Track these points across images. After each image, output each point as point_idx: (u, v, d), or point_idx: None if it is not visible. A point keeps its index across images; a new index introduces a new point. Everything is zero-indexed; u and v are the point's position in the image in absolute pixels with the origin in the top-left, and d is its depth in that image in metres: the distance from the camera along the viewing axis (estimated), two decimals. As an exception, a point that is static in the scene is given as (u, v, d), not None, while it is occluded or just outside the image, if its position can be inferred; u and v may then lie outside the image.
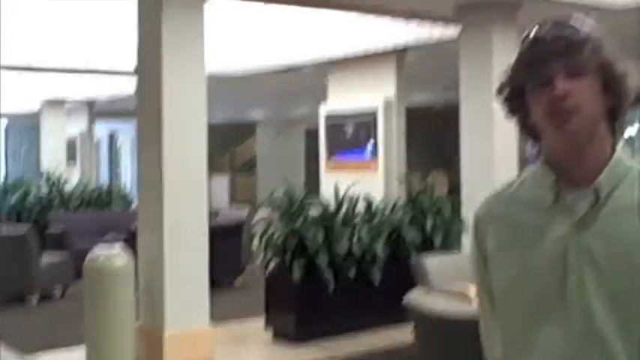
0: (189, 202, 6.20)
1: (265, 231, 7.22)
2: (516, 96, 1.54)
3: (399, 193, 8.65)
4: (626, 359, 1.42)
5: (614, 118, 1.53)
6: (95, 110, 17.52)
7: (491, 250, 1.60)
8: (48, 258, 9.75)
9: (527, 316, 1.52)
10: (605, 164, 1.49)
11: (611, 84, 1.49)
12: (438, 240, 7.49)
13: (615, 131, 1.54)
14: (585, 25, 1.50)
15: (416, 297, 4.85)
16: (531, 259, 1.51)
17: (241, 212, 11.86)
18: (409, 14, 8.26)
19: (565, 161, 1.51)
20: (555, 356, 1.47)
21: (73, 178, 15.15)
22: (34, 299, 9.31)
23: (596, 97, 1.48)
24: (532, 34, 1.51)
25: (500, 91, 1.58)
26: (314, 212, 7.24)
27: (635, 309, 1.42)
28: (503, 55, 7.41)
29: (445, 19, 8.29)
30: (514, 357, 1.55)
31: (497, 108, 1.61)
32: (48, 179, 14.20)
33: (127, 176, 23.43)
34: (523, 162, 7.51)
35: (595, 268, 1.44)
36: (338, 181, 7.87)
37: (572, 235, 1.47)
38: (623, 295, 1.43)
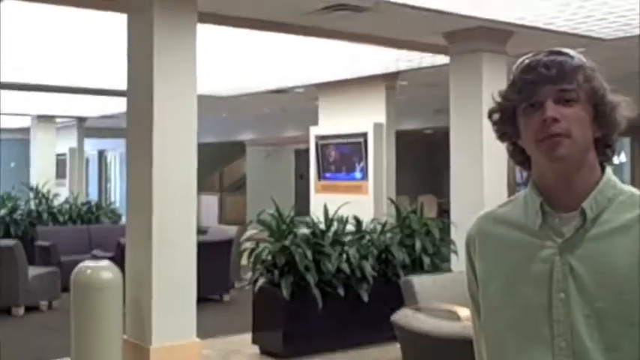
0: (178, 217, 6.19)
1: (255, 248, 7.26)
2: (507, 119, 1.57)
3: (388, 215, 8.69)
4: None
5: (604, 147, 1.56)
6: (85, 127, 17.55)
7: (481, 268, 1.63)
8: (35, 271, 9.73)
9: (514, 335, 1.54)
10: (593, 189, 1.52)
11: (601, 113, 1.52)
12: (426, 261, 7.53)
13: (604, 160, 1.57)
14: (578, 54, 1.54)
15: (404, 315, 4.88)
16: (519, 280, 1.54)
17: (231, 230, 11.89)
18: (399, 43, 8.35)
19: (554, 188, 1.54)
20: None
21: (62, 194, 15.12)
22: (20, 311, 9.29)
23: (586, 124, 1.51)
24: (527, 61, 1.55)
25: (491, 114, 1.61)
26: (304, 230, 7.29)
27: (618, 330, 1.45)
28: (493, 81, 7.50)
29: (435, 47, 8.38)
30: None
31: (487, 133, 1.65)
32: (37, 193, 14.19)
33: (116, 194, 23.39)
34: (512, 186, 7.58)
35: (580, 289, 1.48)
36: (327, 202, 7.92)
37: (558, 257, 1.50)
38: (607, 316, 1.46)
